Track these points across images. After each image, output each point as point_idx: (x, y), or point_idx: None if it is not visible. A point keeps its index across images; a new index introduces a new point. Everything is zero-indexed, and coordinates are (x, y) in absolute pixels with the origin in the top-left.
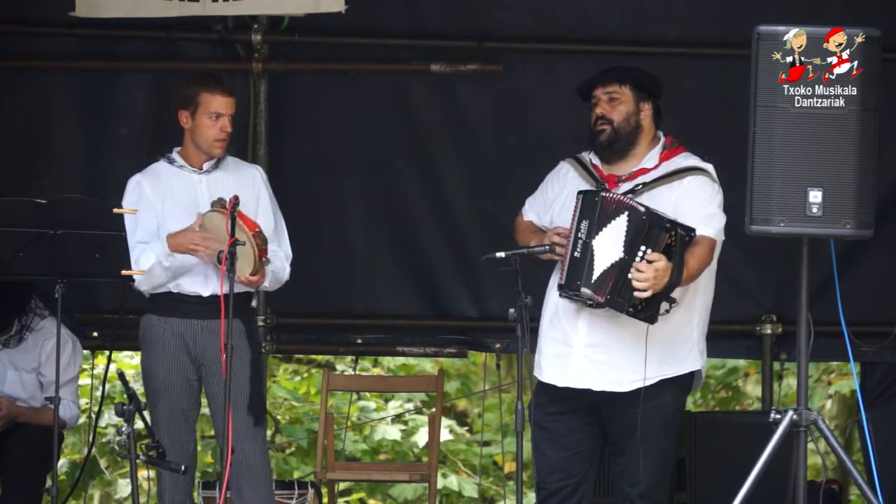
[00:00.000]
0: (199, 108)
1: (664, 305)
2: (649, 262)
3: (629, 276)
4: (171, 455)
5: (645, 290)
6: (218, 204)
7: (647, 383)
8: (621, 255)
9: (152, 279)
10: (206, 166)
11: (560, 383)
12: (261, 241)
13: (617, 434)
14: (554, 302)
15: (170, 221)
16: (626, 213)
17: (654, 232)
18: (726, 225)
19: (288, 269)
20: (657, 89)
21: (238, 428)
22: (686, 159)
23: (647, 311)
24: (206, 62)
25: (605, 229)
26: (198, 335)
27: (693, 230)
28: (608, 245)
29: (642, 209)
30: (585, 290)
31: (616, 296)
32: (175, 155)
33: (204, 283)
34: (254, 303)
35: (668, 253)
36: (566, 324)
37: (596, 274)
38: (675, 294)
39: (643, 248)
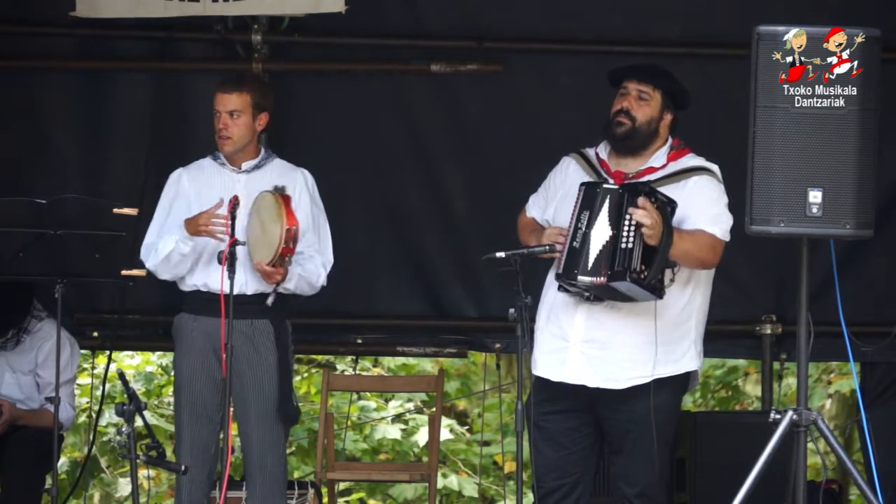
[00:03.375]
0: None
1: (668, 274)
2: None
3: (630, 215)
4: (190, 452)
5: (650, 227)
6: (276, 189)
7: (642, 382)
8: (610, 232)
9: (169, 265)
10: (244, 166)
11: (555, 378)
12: (290, 238)
13: (614, 433)
14: (551, 297)
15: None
16: (608, 196)
17: (633, 199)
18: None
19: (323, 276)
20: (685, 103)
21: (258, 434)
22: (692, 159)
23: (651, 278)
24: (206, 62)
25: (598, 217)
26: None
27: (675, 202)
28: (601, 231)
29: (617, 186)
30: (583, 278)
31: (615, 268)
32: (220, 152)
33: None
34: (269, 300)
35: None
36: (563, 318)
37: (591, 261)
38: (673, 292)
39: (628, 216)
